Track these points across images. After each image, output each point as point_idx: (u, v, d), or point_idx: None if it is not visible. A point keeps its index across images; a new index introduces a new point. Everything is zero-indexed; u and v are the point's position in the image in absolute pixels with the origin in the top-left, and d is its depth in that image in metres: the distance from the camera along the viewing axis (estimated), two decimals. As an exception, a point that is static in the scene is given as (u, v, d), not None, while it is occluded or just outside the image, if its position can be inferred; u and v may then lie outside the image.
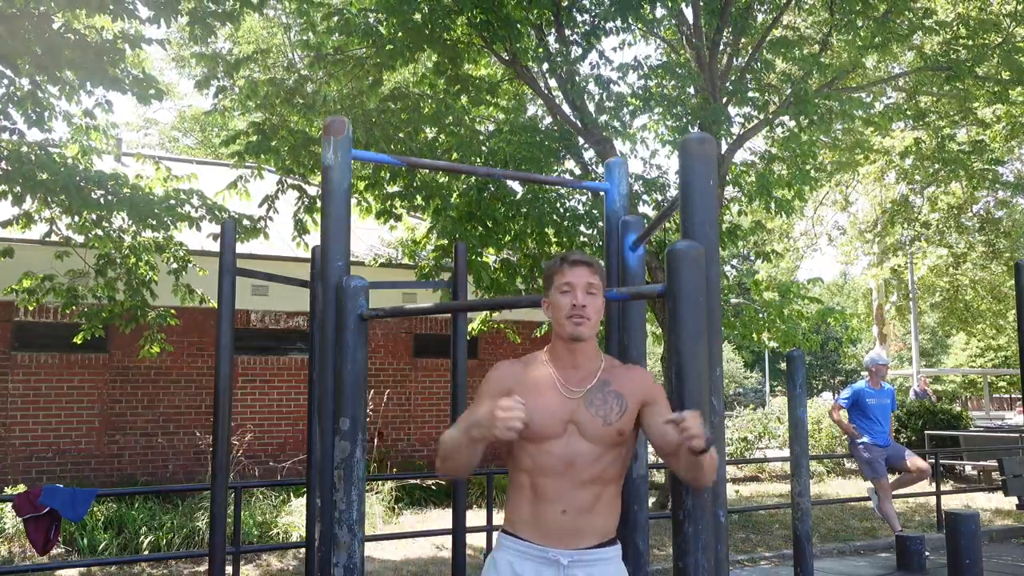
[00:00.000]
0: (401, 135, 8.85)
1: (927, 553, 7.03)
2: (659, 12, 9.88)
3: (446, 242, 9.00)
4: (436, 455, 2.29)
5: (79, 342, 8.54)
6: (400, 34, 8.53)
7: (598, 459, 2.23)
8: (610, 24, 8.95)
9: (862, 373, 8.30)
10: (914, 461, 7.77)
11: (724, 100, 9.37)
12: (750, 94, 9.53)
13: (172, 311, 8.62)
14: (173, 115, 28.29)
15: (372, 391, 11.16)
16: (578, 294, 2.25)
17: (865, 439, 7.79)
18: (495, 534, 6.16)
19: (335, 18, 8.76)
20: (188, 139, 27.37)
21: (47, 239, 7.89)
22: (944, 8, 11.65)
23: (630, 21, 8.73)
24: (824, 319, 10.94)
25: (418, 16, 8.47)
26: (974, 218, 19.13)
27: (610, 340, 2.89)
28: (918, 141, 13.56)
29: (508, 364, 2.41)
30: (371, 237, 12.58)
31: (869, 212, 21.04)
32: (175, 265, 8.18)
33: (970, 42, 10.65)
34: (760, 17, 10.42)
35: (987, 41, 10.69)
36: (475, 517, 7.63)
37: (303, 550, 6.08)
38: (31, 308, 8.52)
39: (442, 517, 9.13)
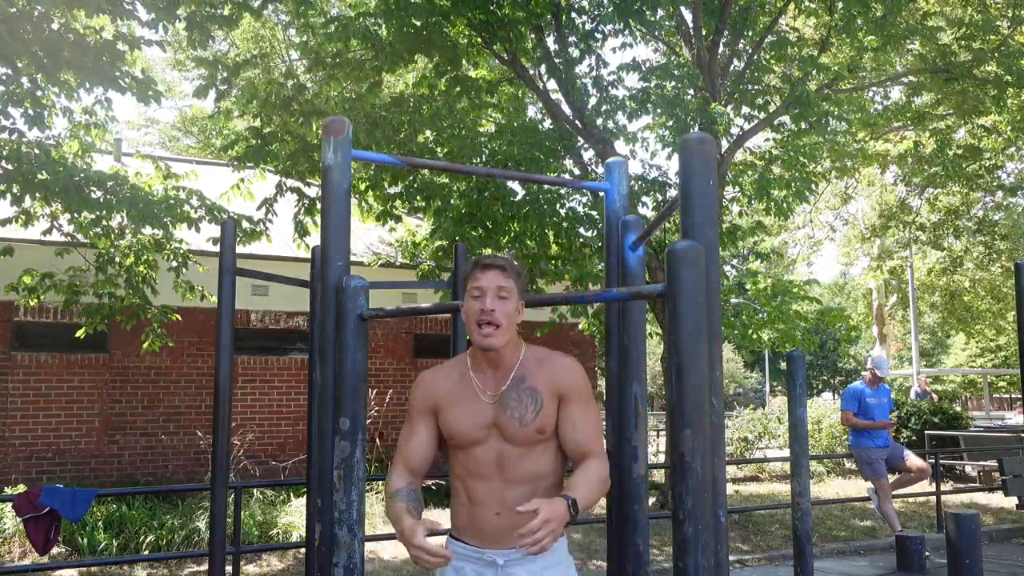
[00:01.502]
0: (400, 136, 8.85)
1: (927, 553, 7.04)
2: (658, 14, 9.86)
3: (446, 243, 9.01)
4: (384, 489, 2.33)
5: (80, 337, 8.55)
6: (399, 37, 8.53)
7: (524, 457, 2.26)
8: (609, 27, 8.95)
9: (863, 373, 8.28)
10: (913, 461, 7.77)
11: (724, 101, 9.37)
12: (749, 92, 9.52)
13: (172, 308, 8.63)
14: (174, 115, 28.30)
15: (373, 391, 11.16)
16: (487, 299, 2.23)
17: (865, 440, 7.78)
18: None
19: (333, 25, 8.77)
20: (189, 139, 27.36)
21: (47, 237, 7.90)
22: (941, 9, 11.64)
23: (630, 23, 8.72)
24: (823, 319, 10.93)
25: (417, 20, 8.46)
26: (972, 219, 19.16)
27: (610, 340, 2.89)
28: (917, 145, 13.57)
29: (430, 376, 2.41)
30: (371, 237, 12.58)
31: (868, 213, 21.05)
32: (175, 263, 8.20)
33: (970, 45, 10.66)
34: (759, 18, 10.41)
35: (984, 45, 10.69)
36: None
37: (303, 550, 6.08)
38: (31, 306, 8.53)
39: (442, 517, 9.14)
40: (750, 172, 10.64)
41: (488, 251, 9.28)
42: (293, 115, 8.91)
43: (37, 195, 6.99)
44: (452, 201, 9.08)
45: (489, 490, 2.27)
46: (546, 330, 11.60)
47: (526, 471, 2.26)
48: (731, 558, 7.28)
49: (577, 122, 9.48)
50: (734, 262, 16.98)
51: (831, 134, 10.58)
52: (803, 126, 9.16)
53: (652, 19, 9.10)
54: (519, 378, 2.29)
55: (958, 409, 15.38)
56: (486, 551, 2.28)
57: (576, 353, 13.06)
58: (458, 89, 9.21)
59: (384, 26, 8.75)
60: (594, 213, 9.37)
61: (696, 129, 8.85)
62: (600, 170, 9.63)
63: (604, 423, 2.68)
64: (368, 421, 10.83)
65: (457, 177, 9.23)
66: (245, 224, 8.33)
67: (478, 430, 2.28)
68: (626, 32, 8.96)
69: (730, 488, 11.65)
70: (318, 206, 8.96)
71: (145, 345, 8.59)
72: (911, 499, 10.47)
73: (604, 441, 2.35)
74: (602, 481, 2.24)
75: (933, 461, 9.24)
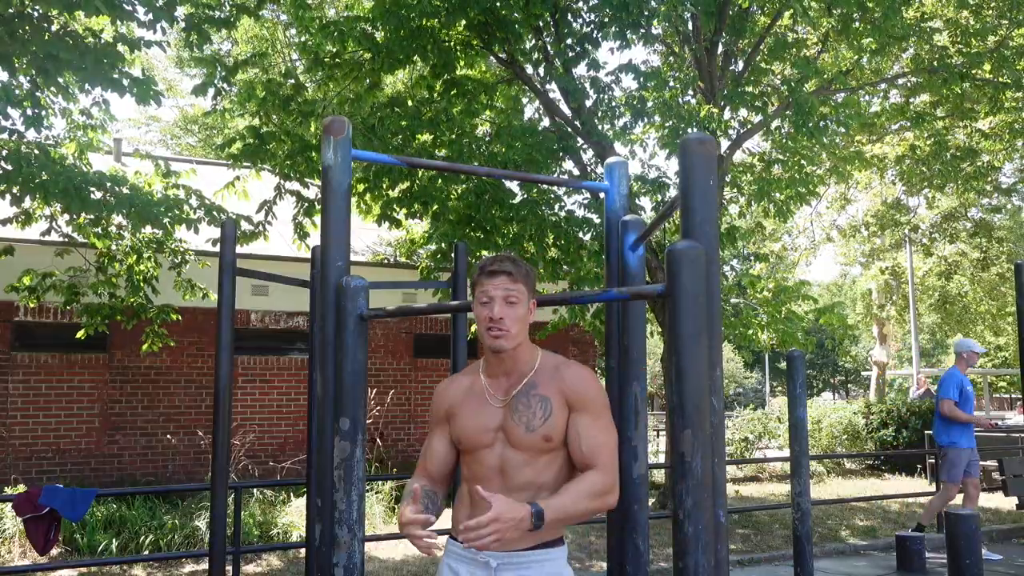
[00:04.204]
0: (399, 140, 8.86)
1: (927, 553, 7.04)
2: (654, 29, 9.80)
3: (444, 247, 9.01)
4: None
5: (81, 338, 8.55)
6: (394, 39, 8.52)
7: (528, 464, 2.24)
8: (609, 29, 8.92)
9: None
10: (975, 483, 7.48)
11: (722, 102, 9.36)
12: (747, 94, 9.50)
13: (173, 308, 8.63)
14: (175, 113, 28.31)
15: (373, 391, 11.16)
16: (495, 307, 2.22)
17: (961, 440, 7.25)
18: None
19: (329, 28, 8.79)
20: (190, 138, 27.38)
21: (47, 238, 7.91)
22: (938, 12, 11.65)
23: (627, 35, 8.67)
24: (819, 319, 10.94)
25: (413, 21, 8.44)
26: (970, 221, 19.17)
27: (610, 340, 2.89)
28: (914, 147, 13.57)
29: (445, 384, 2.44)
30: (371, 236, 12.59)
31: (866, 213, 21.07)
32: (176, 262, 8.22)
33: (965, 48, 10.66)
34: (758, 19, 10.40)
35: (981, 48, 10.71)
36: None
37: (303, 550, 6.08)
38: (32, 306, 8.53)
39: (442, 517, 9.12)
40: (749, 174, 10.64)
41: (485, 252, 9.27)
42: (291, 115, 8.91)
43: (37, 196, 7.00)
44: (450, 204, 9.08)
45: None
46: (548, 330, 11.58)
47: (528, 479, 2.24)
48: (731, 558, 7.28)
49: (576, 123, 9.47)
50: (734, 262, 16.99)
51: (829, 137, 10.57)
52: (802, 130, 9.14)
53: (646, 31, 9.03)
54: (531, 384, 2.28)
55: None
56: (480, 552, 2.26)
57: (576, 353, 13.06)
58: (454, 91, 9.21)
59: (380, 29, 8.75)
60: (593, 216, 9.37)
61: (693, 131, 8.83)
62: (599, 171, 9.63)
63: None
64: (368, 421, 10.81)
65: (455, 180, 9.23)
66: (244, 225, 8.34)
67: (484, 433, 2.28)
68: (619, 36, 8.90)
69: (730, 488, 11.65)
70: (317, 207, 8.96)
71: (145, 346, 8.60)
72: (911, 499, 10.47)
73: (615, 457, 2.26)
74: (593, 495, 2.16)
75: (933, 461, 9.23)
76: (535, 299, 2.31)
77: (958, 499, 7.90)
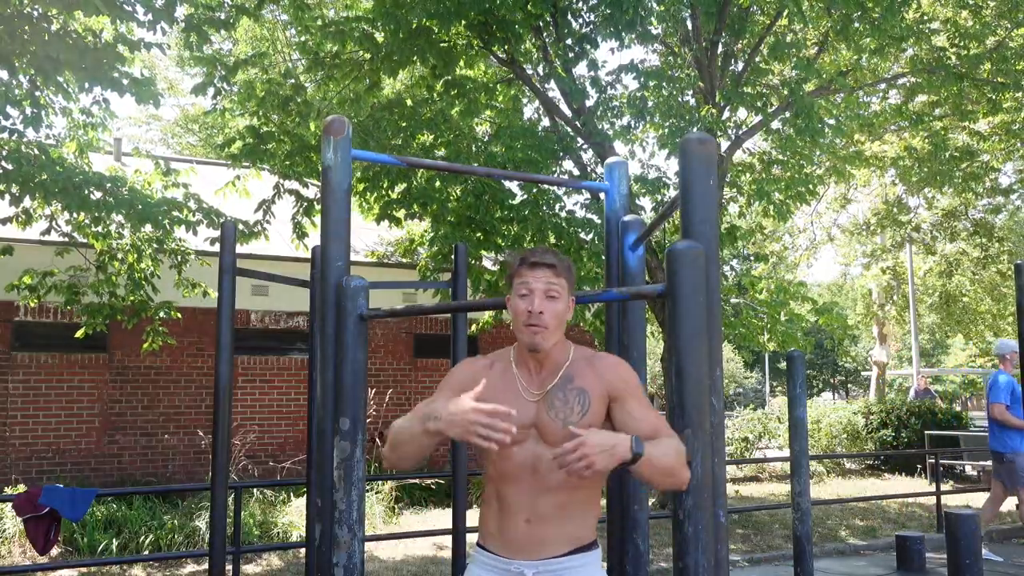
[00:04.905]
0: (398, 142, 8.86)
1: (927, 553, 7.03)
2: (652, 29, 9.78)
3: (445, 250, 9.01)
4: (385, 442, 2.17)
5: (80, 337, 8.55)
6: (394, 40, 8.52)
7: None
8: (605, 30, 8.91)
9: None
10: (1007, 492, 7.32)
11: (722, 102, 9.35)
12: (747, 94, 9.49)
13: (174, 306, 8.64)
14: (176, 112, 28.31)
15: (373, 391, 11.16)
16: (535, 299, 2.13)
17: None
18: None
19: (330, 28, 8.79)
20: (191, 137, 27.38)
21: (46, 237, 7.91)
22: (936, 11, 11.65)
23: (623, 34, 8.66)
24: (818, 319, 10.94)
25: (413, 21, 8.44)
26: (969, 221, 19.15)
27: (610, 340, 2.89)
28: (910, 149, 13.57)
29: (472, 362, 2.31)
30: (371, 236, 12.59)
31: (869, 211, 21.06)
32: (177, 260, 8.23)
33: (963, 51, 10.67)
34: (759, 19, 10.39)
35: (980, 49, 10.71)
36: (475, 517, 7.62)
37: (303, 550, 6.08)
38: (32, 305, 8.53)
39: (442, 517, 9.14)
40: (748, 174, 10.63)
41: (485, 253, 9.27)
42: (291, 115, 8.91)
43: (36, 195, 7.00)
44: (450, 205, 9.07)
45: (520, 495, 2.14)
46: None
47: (562, 477, 2.09)
48: (731, 558, 7.28)
49: (576, 123, 9.47)
50: (734, 262, 16.98)
51: (829, 140, 10.55)
52: (801, 128, 9.13)
53: (643, 30, 9.00)
54: (567, 377, 2.18)
55: (958, 409, 15.36)
56: (513, 561, 2.16)
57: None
58: (455, 92, 9.21)
59: (380, 29, 8.75)
60: (593, 216, 9.36)
61: (693, 131, 8.81)
62: (599, 171, 9.63)
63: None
64: (368, 421, 10.85)
65: (454, 181, 9.23)
66: (241, 227, 8.35)
67: (517, 430, 2.12)
68: (617, 35, 8.87)
69: (730, 488, 11.65)
70: (317, 207, 8.97)
71: (146, 345, 8.59)
72: (911, 499, 10.47)
73: None
74: (680, 453, 1.92)
75: (933, 461, 9.21)
76: (573, 297, 2.22)
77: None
